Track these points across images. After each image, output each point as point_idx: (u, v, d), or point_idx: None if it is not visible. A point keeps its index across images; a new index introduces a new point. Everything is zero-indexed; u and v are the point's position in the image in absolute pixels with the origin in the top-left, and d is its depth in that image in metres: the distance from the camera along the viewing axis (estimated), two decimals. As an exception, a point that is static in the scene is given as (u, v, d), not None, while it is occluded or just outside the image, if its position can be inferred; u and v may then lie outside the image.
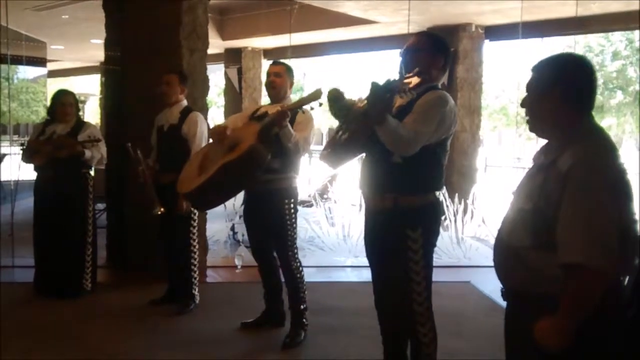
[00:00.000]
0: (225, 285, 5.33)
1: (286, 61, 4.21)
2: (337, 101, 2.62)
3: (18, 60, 10.32)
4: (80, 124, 4.80)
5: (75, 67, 16.69)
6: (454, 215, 7.16)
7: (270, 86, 3.87)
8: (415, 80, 2.48)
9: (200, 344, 3.90)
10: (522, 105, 1.94)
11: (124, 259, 5.52)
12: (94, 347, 3.81)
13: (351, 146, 2.83)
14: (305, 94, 3.58)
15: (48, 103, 5.05)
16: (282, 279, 4.02)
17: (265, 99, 4.19)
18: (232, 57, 12.48)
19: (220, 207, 4.72)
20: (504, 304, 2.02)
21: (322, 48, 11.73)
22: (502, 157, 16.52)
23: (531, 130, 1.94)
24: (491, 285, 5.00)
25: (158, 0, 5.31)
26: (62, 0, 8.57)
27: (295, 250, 3.89)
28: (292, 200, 3.82)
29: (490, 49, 11.12)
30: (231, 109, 12.37)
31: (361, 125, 2.65)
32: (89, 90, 20.01)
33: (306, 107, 3.50)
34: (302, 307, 3.90)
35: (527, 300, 1.86)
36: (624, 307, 1.82)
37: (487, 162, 13.47)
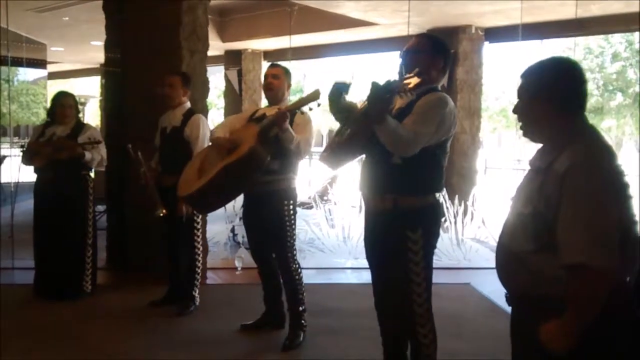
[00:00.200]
0: (225, 287, 5.32)
1: (286, 63, 4.22)
2: (337, 101, 2.63)
3: (18, 62, 10.34)
4: (80, 126, 4.79)
5: (75, 68, 16.70)
6: (454, 217, 7.18)
7: (267, 88, 3.87)
8: (415, 80, 2.48)
9: (200, 345, 3.90)
10: (514, 111, 1.97)
11: (124, 260, 5.51)
12: (94, 347, 3.81)
13: (351, 147, 2.83)
14: (304, 95, 3.58)
15: (48, 105, 5.04)
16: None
17: (265, 101, 4.19)
18: (232, 58, 12.49)
19: (220, 209, 4.71)
20: (503, 305, 2.03)
21: (322, 50, 11.74)
22: (502, 159, 16.55)
23: (525, 135, 1.97)
24: (491, 287, 5.00)
25: (158, 1, 5.30)
26: (62, 1, 8.58)
27: (294, 252, 3.88)
28: (291, 202, 3.81)
29: (490, 51, 11.15)
30: (231, 110, 12.37)
31: (361, 126, 2.66)
32: (89, 92, 20.05)
33: (305, 108, 3.48)
34: (300, 308, 3.90)
35: (529, 303, 1.87)
36: (630, 307, 1.82)
37: (487, 164, 13.50)
